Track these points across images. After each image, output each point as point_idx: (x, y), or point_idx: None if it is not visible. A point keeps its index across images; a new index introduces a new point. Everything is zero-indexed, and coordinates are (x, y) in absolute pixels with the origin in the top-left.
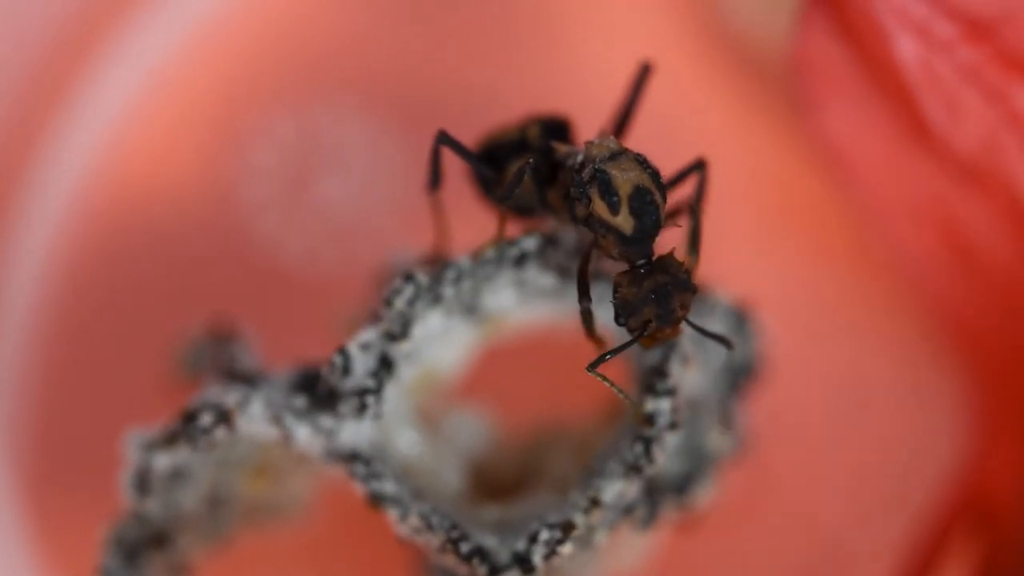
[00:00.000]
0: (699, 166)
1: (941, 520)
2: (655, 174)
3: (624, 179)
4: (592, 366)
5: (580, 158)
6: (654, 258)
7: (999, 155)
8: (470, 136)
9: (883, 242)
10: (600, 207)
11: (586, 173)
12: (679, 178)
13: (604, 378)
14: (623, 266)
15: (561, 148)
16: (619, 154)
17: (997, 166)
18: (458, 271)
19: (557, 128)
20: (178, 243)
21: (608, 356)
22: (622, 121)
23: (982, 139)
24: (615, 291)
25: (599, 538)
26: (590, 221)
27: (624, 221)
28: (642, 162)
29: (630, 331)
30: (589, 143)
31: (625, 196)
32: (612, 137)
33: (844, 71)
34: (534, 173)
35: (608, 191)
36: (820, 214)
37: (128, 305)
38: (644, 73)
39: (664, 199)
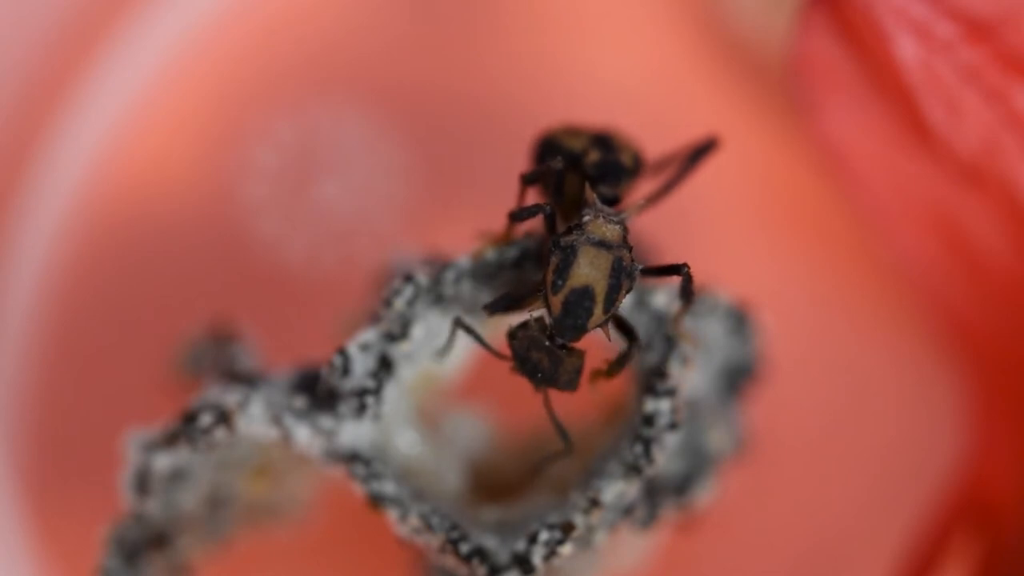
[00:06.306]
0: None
1: (941, 520)
2: (616, 288)
3: (582, 272)
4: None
5: (586, 219)
6: (568, 345)
7: (999, 155)
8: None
9: (883, 242)
10: (548, 276)
11: (569, 239)
12: (661, 272)
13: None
14: None
15: (591, 197)
16: (609, 247)
17: (997, 166)
18: (458, 272)
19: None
20: (178, 243)
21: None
22: (664, 188)
23: (982, 139)
24: (522, 324)
25: (599, 538)
26: (544, 276)
27: (554, 304)
28: (618, 270)
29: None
30: (600, 213)
31: (569, 287)
32: (621, 229)
33: (844, 71)
34: (550, 212)
35: (562, 271)
36: (820, 214)
37: (128, 305)
38: (708, 147)
39: (605, 315)
